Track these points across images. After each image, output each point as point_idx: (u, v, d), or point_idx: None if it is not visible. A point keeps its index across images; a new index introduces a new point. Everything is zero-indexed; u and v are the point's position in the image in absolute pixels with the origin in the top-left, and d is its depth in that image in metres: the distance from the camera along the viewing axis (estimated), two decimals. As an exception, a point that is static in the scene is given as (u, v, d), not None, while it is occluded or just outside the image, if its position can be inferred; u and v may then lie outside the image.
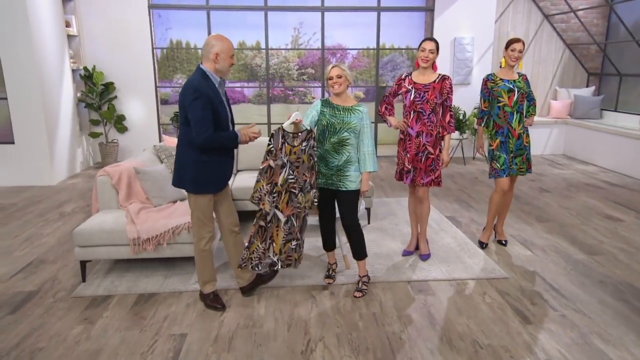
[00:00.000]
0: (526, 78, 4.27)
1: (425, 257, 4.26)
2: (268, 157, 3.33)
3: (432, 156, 3.97)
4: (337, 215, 3.71)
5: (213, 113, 3.03)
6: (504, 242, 4.62)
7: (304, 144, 3.37)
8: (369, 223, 5.22)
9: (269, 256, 3.46)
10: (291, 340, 3.05)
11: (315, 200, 3.48)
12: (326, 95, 8.62)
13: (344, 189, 3.51)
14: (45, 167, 6.86)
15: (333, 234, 3.80)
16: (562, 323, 3.23)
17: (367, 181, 3.57)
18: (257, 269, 3.47)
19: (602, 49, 9.32)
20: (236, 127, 3.36)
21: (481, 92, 4.35)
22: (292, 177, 3.37)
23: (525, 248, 4.53)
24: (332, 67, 3.48)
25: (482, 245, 4.55)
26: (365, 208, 5.20)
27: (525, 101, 4.31)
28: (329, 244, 3.80)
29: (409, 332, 3.14)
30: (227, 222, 3.45)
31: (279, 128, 3.33)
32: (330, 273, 3.88)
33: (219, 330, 3.16)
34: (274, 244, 3.44)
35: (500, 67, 4.33)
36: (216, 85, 3.13)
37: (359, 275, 3.74)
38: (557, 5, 9.28)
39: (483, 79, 4.32)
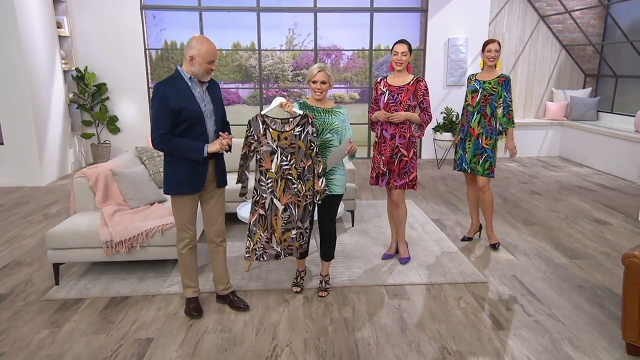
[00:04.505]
0: (504, 80, 4.18)
1: (404, 261, 4.21)
2: (246, 142, 3.28)
3: (405, 158, 3.93)
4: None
5: (173, 112, 2.92)
6: (496, 245, 4.54)
7: (297, 129, 3.25)
8: (352, 225, 5.18)
9: (273, 247, 3.38)
10: (258, 345, 3.01)
11: (326, 189, 3.38)
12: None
13: (329, 193, 3.46)
14: (34, 168, 6.87)
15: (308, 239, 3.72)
16: (535, 329, 3.18)
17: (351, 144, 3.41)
18: (262, 259, 3.40)
19: (597, 50, 9.22)
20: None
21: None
22: (286, 163, 3.27)
23: (508, 252, 4.47)
24: (318, 71, 3.32)
25: (465, 238, 4.75)
26: (349, 210, 5.15)
27: (501, 107, 4.26)
28: None
29: (378, 337, 3.10)
30: (209, 230, 3.35)
31: (257, 115, 3.25)
32: (298, 281, 3.77)
33: (186, 335, 3.12)
34: (275, 234, 3.37)
35: (482, 69, 4.32)
36: (188, 84, 2.99)
37: (321, 275, 3.74)
38: (552, 6, 9.19)
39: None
